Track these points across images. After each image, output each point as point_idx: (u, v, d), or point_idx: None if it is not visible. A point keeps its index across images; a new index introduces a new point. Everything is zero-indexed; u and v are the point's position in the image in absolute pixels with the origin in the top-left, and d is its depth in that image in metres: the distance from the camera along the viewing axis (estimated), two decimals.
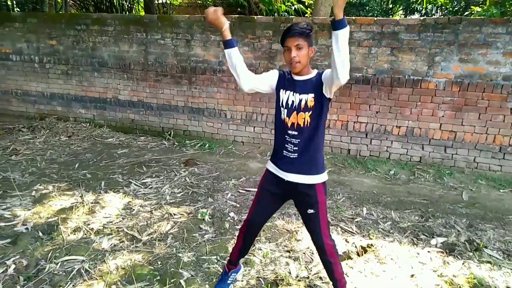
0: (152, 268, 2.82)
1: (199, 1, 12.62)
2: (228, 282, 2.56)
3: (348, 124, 5.19)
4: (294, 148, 2.06)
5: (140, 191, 4.23)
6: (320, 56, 5.08)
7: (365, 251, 3.09)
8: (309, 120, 2.01)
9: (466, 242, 3.28)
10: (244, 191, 4.28)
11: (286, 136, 2.08)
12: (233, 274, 2.58)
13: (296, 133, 2.05)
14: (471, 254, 3.10)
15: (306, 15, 9.74)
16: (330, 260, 2.26)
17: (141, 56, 6.10)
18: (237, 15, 5.46)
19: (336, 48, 1.78)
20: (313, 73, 2.07)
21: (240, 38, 5.43)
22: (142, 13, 11.14)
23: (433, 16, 11.03)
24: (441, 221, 3.66)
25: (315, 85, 2.00)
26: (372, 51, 4.84)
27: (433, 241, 3.28)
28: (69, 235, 3.26)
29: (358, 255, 3.06)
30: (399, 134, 5.02)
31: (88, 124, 6.86)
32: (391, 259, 2.99)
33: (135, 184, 4.40)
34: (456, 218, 3.72)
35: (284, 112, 2.08)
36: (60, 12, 7.70)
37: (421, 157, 5.02)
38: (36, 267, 2.79)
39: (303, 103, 2.01)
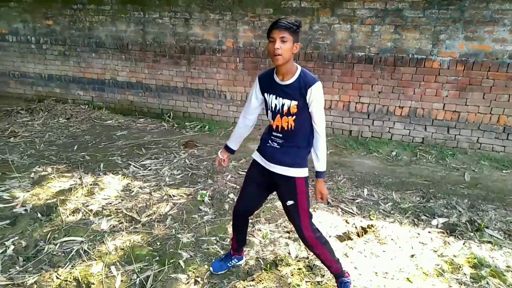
0: (151, 248, 2.81)
1: None
2: (229, 264, 2.58)
3: (350, 105, 5.11)
4: (279, 141, 2.12)
5: (139, 173, 4.20)
6: (322, 34, 4.96)
7: (365, 232, 3.07)
8: (292, 124, 2.04)
9: (467, 222, 3.25)
10: (244, 173, 4.24)
11: (271, 135, 2.14)
12: (235, 259, 2.60)
13: (280, 134, 2.10)
14: (472, 234, 3.08)
15: None
16: (316, 252, 2.27)
17: (139, 36, 5.98)
18: None
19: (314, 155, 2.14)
20: (297, 74, 2.01)
21: (240, 16, 5.29)
22: None
23: None
24: (443, 202, 3.62)
25: (300, 93, 1.99)
26: (375, 29, 4.71)
27: (434, 222, 3.25)
28: (68, 217, 3.25)
29: (358, 235, 3.04)
30: (402, 114, 4.94)
31: (86, 106, 6.80)
32: (392, 239, 2.97)
33: (134, 166, 4.38)
34: (458, 199, 3.69)
35: (270, 114, 2.12)
36: None
37: (424, 138, 4.96)
38: (35, 248, 2.79)
39: (285, 108, 2.02)
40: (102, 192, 3.73)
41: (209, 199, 3.60)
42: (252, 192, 2.30)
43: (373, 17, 4.68)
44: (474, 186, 4.04)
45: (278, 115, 2.05)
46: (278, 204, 3.51)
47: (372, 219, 3.28)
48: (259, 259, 2.72)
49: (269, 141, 2.15)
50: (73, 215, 3.29)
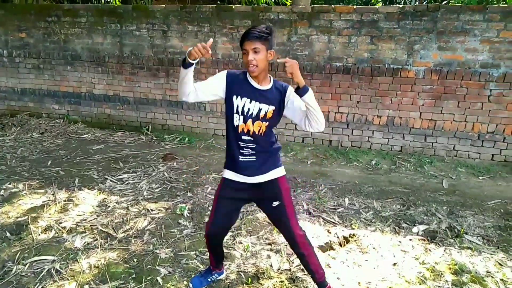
0: (128, 265, 2.70)
1: None
2: (209, 279, 2.49)
3: (329, 115, 5.14)
4: (251, 152, 2.06)
5: (116, 187, 4.07)
6: (300, 45, 5.00)
7: (347, 241, 3.05)
8: (264, 129, 2.03)
9: (447, 229, 3.28)
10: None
11: (240, 142, 2.05)
12: (216, 274, 2.51)
13: (251, 138, 2.04)
14: (452, 240, 3.10)
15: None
16: (304, 252, 2.21)
17: (116, 48, 5.89)
18: (215, 5, 5.32)
19: (308, 109, 1.95)
20: (271, 81, 2.04)
21: (218, 28, 5.29)
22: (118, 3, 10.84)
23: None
24: (422, 209, 3.65)
25: (277, 99, 2.02)
26: (352, 40, 4.79)
27: (414, 229, 3.26)
28: (39, 235, 3.10)
29: (341, 245, 3.01)
30: (380, 123, 5.00)
31: (62, 120, 6.61)
32: (373, 248, 2.95)
33: (111, 180, 4.24)
34: (437, 206, 3.72)
35: (238, 118, 2.02)
36: (29, 3, 7.36)
37: (402, 146, 5.02)
38: (3, 269, 2.63)
39: (262, 113, 2.00)
40: (77, 208, 3.59)
41: (188, 213, 3.51)
42: (225, 213, 2.18)
43: (349, 28, 4.76)
44: (452, 193, 4.09)
45: (250, 120, 2.00)
46: (260, 215, 3.45)
47: (353, 228, 3.26)
48: (240, 272, 2.64)
49: (241, 154, 2.05)
50: (45, 233, 3.13)
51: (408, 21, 4.53)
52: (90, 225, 3.26)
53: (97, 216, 3.44)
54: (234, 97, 2.02)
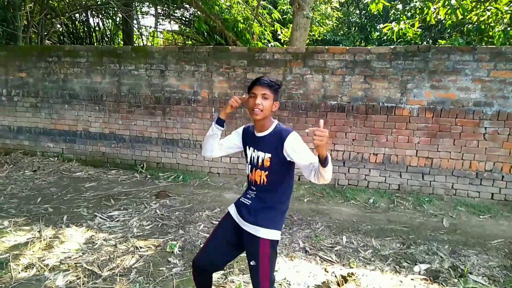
0: None
1: (179, 43, 12.93)
2: None
3: None
4: (250, 197, 2.05)
5: (105, 224, 3.93)
6: (295, 84, 5.08)
7: (346, 281, 2.88)
8: (265, 179, 1.98)
9: (450, 268, 3.12)
10: (218, 222, 4.04)
11: (248, 190, 2.10)
12: None
13: (254, 188, 2.04)
14: (456, 280, 2.94)
15: (279, 37, 10.02)
16: None
17: (114, 87, 5.97)
18: (212, 46, 5.47)
19: (322, 175, 1.78)
20: (272, 127, 2.01)
21: (215, 68, 5.40)
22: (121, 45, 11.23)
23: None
24: (423, 248, 3.50)
25: (274, 146, 1.95)
26: (346, 79, 4.88)
27: (416, 268, 3.10)
28: (19, 273, 2.92)
29: (338, 285, 2.84)
30: (377, 161, 4.96)
31: (56, 158, 6.54)
32: None
33: (100, 217, 4.10)
34: (438, 245, 3.58)
35: (248, 167, 2.08)
36: (32, 44, 7.59)
37: (400, 184, 4.94)
38: None
39: (260, 161, 2.00)
40: (62, 245, 3.42)
41: (179, 250, 3.35)
42: (218, 245, 2.09)
43: (343, 68, 4.87)
44: (454, 232, 3.96)
45: (254, 168, 2.02)
46: None
47: (352, 267, 3.10)
48: None
49: (244, 197, 2.10)
50: (26, 271, 2.96)
51: (400, 61, 4.64)
52: (75, 263, 3.09)
53: (83, 253, 3.27)
54: (247, 147, 2.11)
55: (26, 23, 8.67)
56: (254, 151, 2.03)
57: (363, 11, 13.19)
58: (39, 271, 2.96)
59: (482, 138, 4.54)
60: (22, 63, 6.43)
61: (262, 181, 1.99)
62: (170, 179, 5.64)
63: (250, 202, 2.04)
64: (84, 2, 12.35)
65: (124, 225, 3.91)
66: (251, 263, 1.98)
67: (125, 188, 5.17)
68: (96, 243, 3.47)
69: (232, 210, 2.14)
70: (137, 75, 5.81)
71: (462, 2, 4.66)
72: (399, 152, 4.85)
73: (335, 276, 2.93)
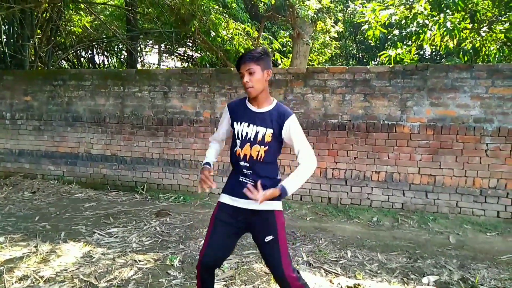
0: None
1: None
2: None
3: (327, 171, 5.08)
4: (250, 176, 2.01)
5: (103, 240, 3.84)
6: (296, 104, 5.15)
7: None
8: (263, 154, 1.99)
9: (460, 280, 3.01)
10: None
11: (239, 167, 2.04)
12: None
13: (248, 164, 2.01)
14: None
15: (280, 66, 10.22)
16: None
17: (117, 109, 6.05)
18: (214, 68, 5.60)
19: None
20: (273, 103, 2.05)
21: (217, 89, 5.50)
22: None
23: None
24: (431, 262, 3.40)
25: (276, 122, 1.99)
26: (346, 98, 4.95)
27: (424, 280, 3.00)
28: (12, 284, 2.82)
29: None
30: (379, 180, 4.92)
31: (56, 181, 6.49)
32: None
33: (99, 234, 4.01)
34: (446, 259, 3.48)
35: (238, 143, 2.04)
36: (39, 69, 7.77)
37: (403, 203, 4.87)
38: None
39: (259, 136, 1.99)
40: (59, 259, 3.33)
41: (179, 263, 3.25)
42: (221, 239, 2.04)
43: (343, 87, 4.95)
44: (461, 248, 3.85)
45: (248, 144, 2.00)
46: (255, 266, 3.19)
47: (358, 279, 2.99)
48: None
49: (240, 177, 2.04)
50: (20, 283, 2.86)
51: (399, 79, 4.73)
52: (71, 275, 2.99)
53: (80, 266, 3.17)
54: (235, 123, 2.07)
55: (33, 53, 8.94)
56: (249, 125, 2.01)
57: (359, 44, 13.63)
58: (33, 283, 2.86)
59: (484, 154, 4.54)
60: (28, 87, 6.56)
61: (259, 156, 1.98)
62: (171, 199, 5.57)
63: (251, 180, 1.99)
64: (91, 37, 12.83)
65: (123, 241, 3.82)
66: (267, 238, 1.96)
67: (125, 208, 5.10)
68: (94, 257, 3.37)
69: (226, 198, 2.06)
70: (141, 96, 5.90)
71: (458, 25, 4.82)
72: (401, 170, 4.83)
73: (341, 287, 2.82)
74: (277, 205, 2.02)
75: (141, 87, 5.89)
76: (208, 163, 2.14)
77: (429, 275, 3.09)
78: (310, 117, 5.11)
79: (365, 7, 6.32)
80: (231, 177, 2.10)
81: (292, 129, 1.98)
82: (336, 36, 9.37)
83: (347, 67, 5.01)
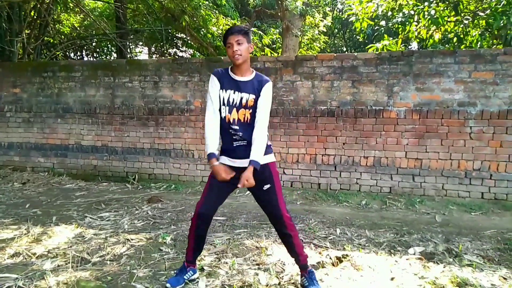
0: (100, 282, 2.44)
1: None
2: (185, 277, 2.39)
3: (317, 157, 5.17)
4: (241, 138, 2.26)
5: (95, 223, 3.85)
6: (286, 91, 5.23)
7: (341, 261, 2.84)
8: (249, 117, 2.25)
9: (444, 251, 3.11)
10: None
11: (230, 130, 2.26)
12: (191, 271, 2.42)
13: (237, 127, 2.24)
14: (451, 260, 2.93)
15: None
16: (290, 233, 2.32)
17: (108, 99, 6.05)
18: (204, 57, 5.65)
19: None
20: (253, 74, 2.30)
21: (208, 78, 5.52)
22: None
23: None
24: (417, 236, 3.50)
25: (256, 89, 2.25)
26: (334, 85, 5.04)
27: (410, 251, 3.09)
28: (4, 260, 2.83)
29: (333, 265, 2.80)
30: (367, 165, 5.02)
31: (46, 173, 6.46)
32: (369, 266, 2.75)
33: (90, 218, 4.03)
34: (432, 234, 3.58)
35: (225, 109, 2.26)
36: (27, 61, 7.71)
37: (391, 187, 4.98)
38: None
39: (244, 101, 2.23)
40: (50, 239, 3.34)
41: (171, 241, 3.29)
42: (218, 192, 2.34)
43: (331, 74, 5.05)
44: (446, 225, 3.96)
45: (235, 109, 2.25)
46: (247, 241, 3.25)
47: (346, 250, 3.07)
48: (225, 286, 2.40)
49: (234, 140, 2.28)
50: (12, 259, 2.88)
51: (386, 65, 4.85)
52: (63, 252, 3.01)
53: (72, 245, 3.20)
54: (221, 91, 2.28)
55: (22, 50, 8.88)
56: (234, 92, 2.24)
57: (348, 40, 13.81)
58: (25, 259, 2.88)
59: (468, 137, 4.67)
60: (17, 78, 6.52)
61: (246, 119, 2.24)
62: (162, 188, 5.60)
63: (244, 141, 2.25)
64: (80, 35, 12.76)
65: (115, 224, 3.85)
66: (265, 187, 2.28)
67: (116, 196, 5.11)
68: (86, 237, 3.40)
69: (225, 160, 2.31)
70: (131, 87, 5.92)
71: (442, 13, 4.95)
72: (389, 155, 4.93)
73: (330, 258, 2.89)
74: (270, 158, 2.32)
75: (132, 77, 5.91)
76: (213, 154, 2.26)
77: (415, 247, 3.19)
78: (299, 104, 5.19)
79: None
80: (225, 140, 2.32)
81: (264, 94, 2.23)
82: (325, 30, 9.49)
83: (335, 54, 5.11)
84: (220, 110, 2.27)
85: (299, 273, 2.42)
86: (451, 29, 6.30)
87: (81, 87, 6.18)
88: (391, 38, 6.82)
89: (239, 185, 2.17)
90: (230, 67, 2.31)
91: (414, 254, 3.03)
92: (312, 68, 5.10)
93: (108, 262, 2.80)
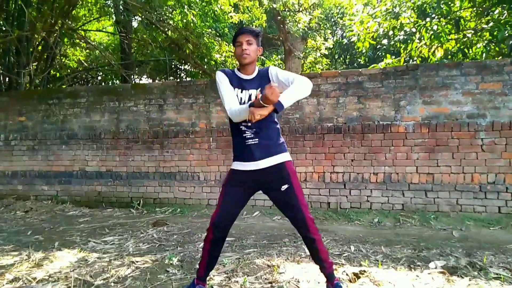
0: None
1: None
2: None
3: (325, 175, 5.05)
4: (255, 134, 2.17)
5: (99, 247, 3.71)
6: (291, 109, 5.18)
7: (358, 277, 2.68)
8: None
9: (467, 265, 2.93)
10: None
11: (241, 128, 2.19)
12: None
13: (249, 124, 2.16)
14: (475, 273, 2.75)
15: None
16: (315, 237, 2.19)
17: (113, 124, 6.04)
18: (209, 79, 5.67)
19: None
20: (256, 71, 2.30)
21: (212, 99, 5.53)
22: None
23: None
24: (436, 251, 3.32)
25: (262, 80, 2.23)
26: (340, 101, 5.00)
27: (431, 265, 2.92)
28: (3, 285, 2.69)
29: (351, 281, 2.63)
30: (377, 181, 4.88)
31: (49, 201, 6.35)
32: (389, 282, 2.59)
33: (94, 242, 3.89)
34: (452, 248, 3.40)
35: None
36: (33, 89, 7.80)
37: (403, 204, 4.82)
38: None
39: (253, 97, 2.21)
40: (52, 264, 3.20)
41: (178, 262, 3.14)
42: (233, 200, 2.22)
43: (336, 90, 5.02)
44: (466, 240, 3.78)
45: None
46: (257, 261, 3.10)
47: (363, 266, 2.90)
48: None
49: (245, 139, 2.19)
50: (11, 284, 2.73)
51: (391, 80, 4.82)
52: (65, 275, 2.87)
53: (74, 268, 3.05)
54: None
55: (29, 82, 9.01)
56: (242, 91, 2.21)
57: (349, 64, 13.96)
58: (25, 283, 2.74)
59: (480, 149, 4.55)
60: (22, 107, 6.55)
61: None
62: (167, 212, 5.46)
63: (258, 139, 2.17)
64: (86, 65, 13.03)
65: (119, 247, 3.70)
66: (283, 188, 2.15)
67: (121, 221, 4.98)
68: (89, 261, 3.25)
69: (239, 165, 2.22)
70: (136, 111, 5.92)
71: (444, 28, 4.97)
72: (399, 170, 4.81)
73: (347, 274, 2.73)
74: (285, 157, 2.22)
75: (137, 101, 5.92)
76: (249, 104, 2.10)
77: (436, 260, 3.01)
78: (305, 122, 5.13)
79: (353, 20, 6.53)
80: (236, 144, 2.25)
81: (279, 71, 2.23)
82: (327, 53, 9.61)
83: (339, 71, 5.10)
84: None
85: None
86: (453, 47, 6.34)
87: (86, 112, 6.19)
88: (394, 57, 6.85)
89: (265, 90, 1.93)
90: (236, 68, 2.31)
91: (435, 268, 2.86)
92: (317, 85, 5.08)
93: (112, 284, 2.66)
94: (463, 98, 4.60)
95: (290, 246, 3.56)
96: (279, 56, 12.19)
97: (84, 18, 11.19)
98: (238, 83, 2.23)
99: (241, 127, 2.18)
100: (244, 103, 2.17)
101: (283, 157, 2.20)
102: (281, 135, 2.29)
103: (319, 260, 2.23)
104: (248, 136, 2.17)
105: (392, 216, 4.73)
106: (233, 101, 2.17)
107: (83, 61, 12.91)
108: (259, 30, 2.28)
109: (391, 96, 4.82)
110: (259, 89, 2.20)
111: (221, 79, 2.24)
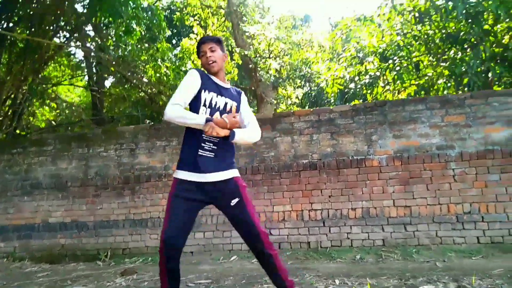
0: None
1: None
2: None
3: (303, 213, 4.92)
4: (213, 147, 2.10)
5: None
6: (266, 148, 5.18)
7: None
8: None
9: None
10: (193, 284, 3.56)
11: (202, 138, 2.10)
12: None
13: (215, 138, 2.11)
14: None
15: None
16: (270, 253, 2.07)
17: (81, 171, 5.77)
18: None
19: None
20: (229, 83, 2.37)
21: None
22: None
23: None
24: (423, 279, 3.20)
25: (236, 97, 2.29)
26: (314, 138, 5.06)
27: None
28: None
29: None
30: (356, 217, 4.80)
31: (5, 259, 5.78)
32: None
33: None
34: (438, 276, 3.29)
35: (205, 111, 2.13)
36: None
37: (384, 239, 4.71)
38: None
39: (228, 107, 2.21)
40: None
41: None
42: (181, 215, 2.03)
43: (310, 128, 5.10)
44: (450, 270, 3.68)
45: (218, 113, 2.15)
46: None
47: None
48: None
49: (201, 148, 2.09)
50: None
51: (361, 116, 4.96)
52: None
53: None
54: (203, 91, 2.14)
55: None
56: (217, 96, 2.17)
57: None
58: None
59: (453, 180, 4.63)
60: None
61: None
62: (138, 262, 5.07)
63: (213, 153, 2.10)
64: (54, 124, 12.74)
65: None
66: (233, 201, 2.09)
67: (85, 272, 4.55)
68: None
69: (185, 174, 2.09)
70: (106, 156, 5.72)
71: (404, 69, 5.30)
72: (376, 204, 4.77)
73: None
74: (234, 173, 2.19)
75: (107, 147, 5.74)
76: (208, 118, 2.06)
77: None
78: (280, 160, 5.11)
79: (320, 66, 6.87)
80: (190, 149, 2.13)
81: (246, 104, 2.35)
82: (297, 101, 9.95)
83: (311, 109, 5.23)
84: (197, 111, 2.09)
85: None
86: (415, 91, 6.73)
87: (53, 160, 5.92)
88: (361, 101, 7.16)
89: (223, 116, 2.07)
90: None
91: None
92: (291, 123, 5.16)
93: None
94: (430, 131, 4.77)
95: (270, 283, 3.32)
96: (252, 109, 12.50)
97: (56, 78, 11.16)
98: (215, 87, 2.20)
99: (203, 136, 2.08)
100: (218, 108, 2.14)
101: (232, 173, 2.17)
102: (234, 152, 2.28)
103: (279, 280, 2.09)
104: (206, 148, 2.10)
105: (373, 252, 4.59)
106: (184, 99, 2.06)
107: (52, 121, 12.64)
108: (220, 37, 2.31)
109: (362, 131, 4.94)
110: (235, 103, 2.22)
111: (191, 79, 2.13)
